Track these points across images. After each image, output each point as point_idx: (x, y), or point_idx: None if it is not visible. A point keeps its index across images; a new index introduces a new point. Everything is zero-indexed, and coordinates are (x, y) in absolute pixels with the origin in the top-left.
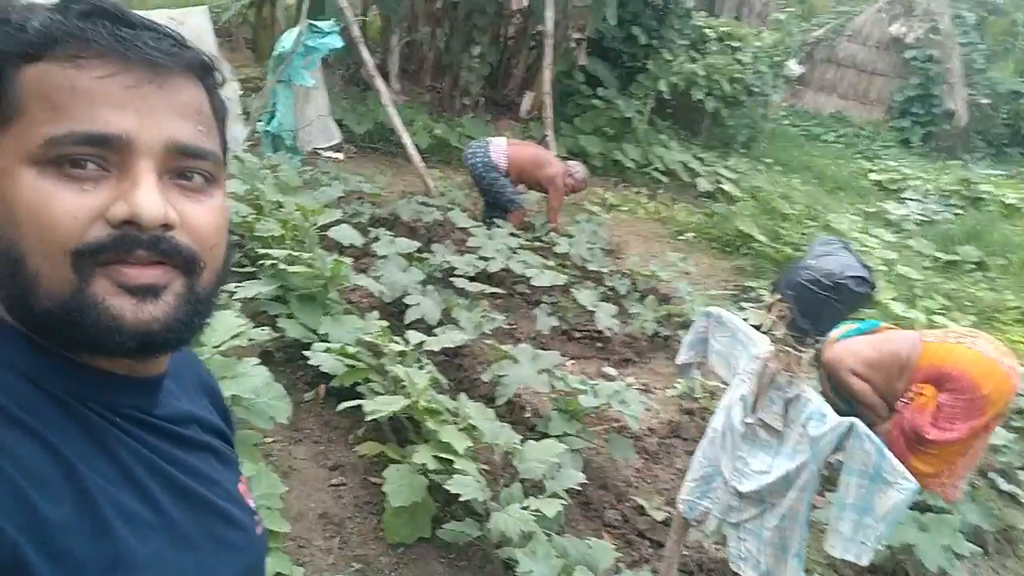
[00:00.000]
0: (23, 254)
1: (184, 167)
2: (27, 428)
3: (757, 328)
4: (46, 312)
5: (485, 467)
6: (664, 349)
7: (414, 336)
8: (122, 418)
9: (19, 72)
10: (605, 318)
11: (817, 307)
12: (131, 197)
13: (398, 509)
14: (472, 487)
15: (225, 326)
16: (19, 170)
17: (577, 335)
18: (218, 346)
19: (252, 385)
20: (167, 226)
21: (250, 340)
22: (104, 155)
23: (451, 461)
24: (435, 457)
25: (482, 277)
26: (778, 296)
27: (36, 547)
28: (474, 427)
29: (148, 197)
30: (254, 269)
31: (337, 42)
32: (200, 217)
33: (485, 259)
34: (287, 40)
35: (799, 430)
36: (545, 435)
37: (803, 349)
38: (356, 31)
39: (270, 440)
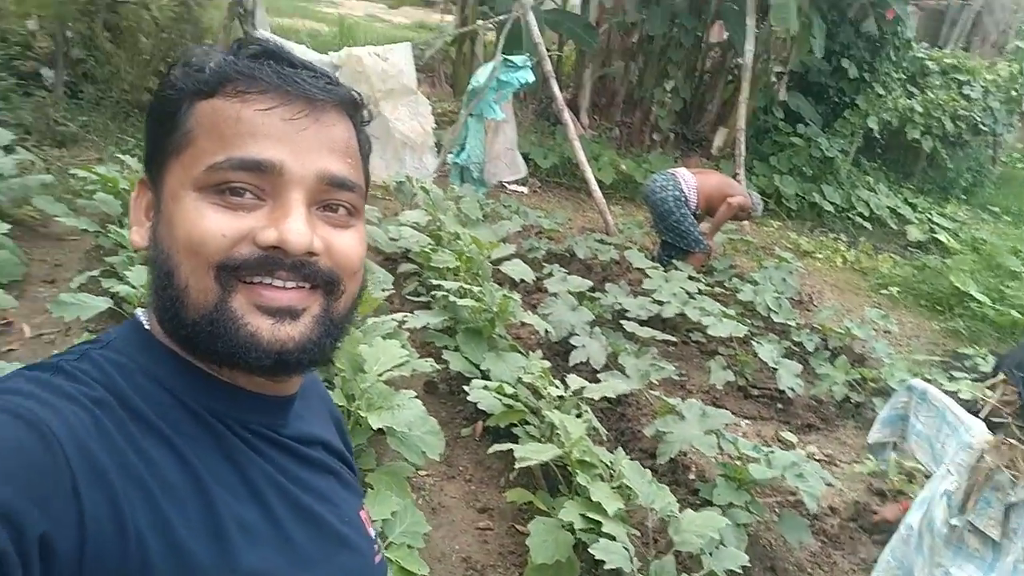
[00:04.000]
0: (175, 267)
1: (331, 199)
2: (163, 436)
3: (971, 411)
4: (192, 324)
5: (636, 532)
6: (855, 417)
7: (575, 381)
8: (252, 434)
9: (193, 107)
10: (788, 377)
11: None
12: (281, 224)
13: (541, 566)
14: (619, 555)
15: (389, 355)
16: (184, 194)
17: (755, 393)
18: (381, 374)
19: (406, 418)
20: (311, 252)
21: (414, 371)
22: (260, 184)
23: (599, 522)
24: (583, 516)
25: (655, 322)
26: (1003, 376)
27: (160, 544)
28: (628, 487)
29: (297, 226)
30: (428, 299)
31: (529, 76)
32: (343, 245)
33: (660, 303)
34: (481, 75)
35: None
36: (708, 502)
37: None
38: (548, 66)
39: (423, 474)
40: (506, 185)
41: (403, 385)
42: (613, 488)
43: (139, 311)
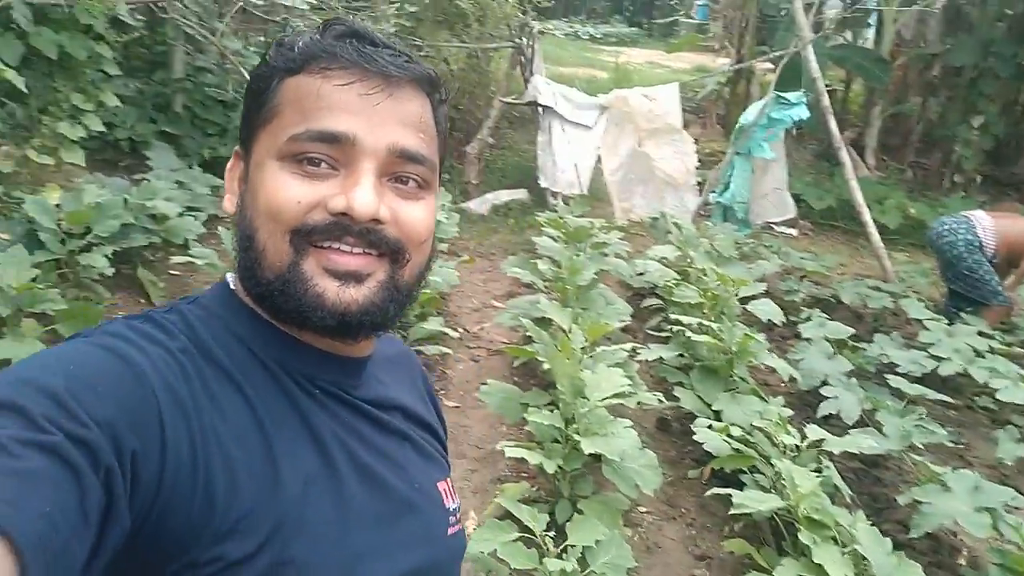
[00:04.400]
0: (256, 230)
1: (402, 171)
2: (235, 383)
3: None
4: (267, 283)
5: None
6: None
7: (816, 432)
8: (321, 391)
9: (282, 83)
10: None
11: None
12: (350, 192)
13: None
14: None
15: (611, 382)
16: (268, 163)
17: None
18: (601, 400)
19: (620, 446)
20: (377, 220)
21: (640, 404)
22: (334, 154)
23: None
24: None
25: (931, 381)
26: None
27: (224, 482)
28: (864, 557)
29: (363, 194)
30: (668, 335)
31: (803, 113)
32: (410, 215)
33: (937, 358)
34: (751, 112)
35: None
36: None
37: None
38: (826, 101)
39: (643, 510)
40: (773, 226)
41: (634, 419)
42: (844, 554)
43: (229, 275)
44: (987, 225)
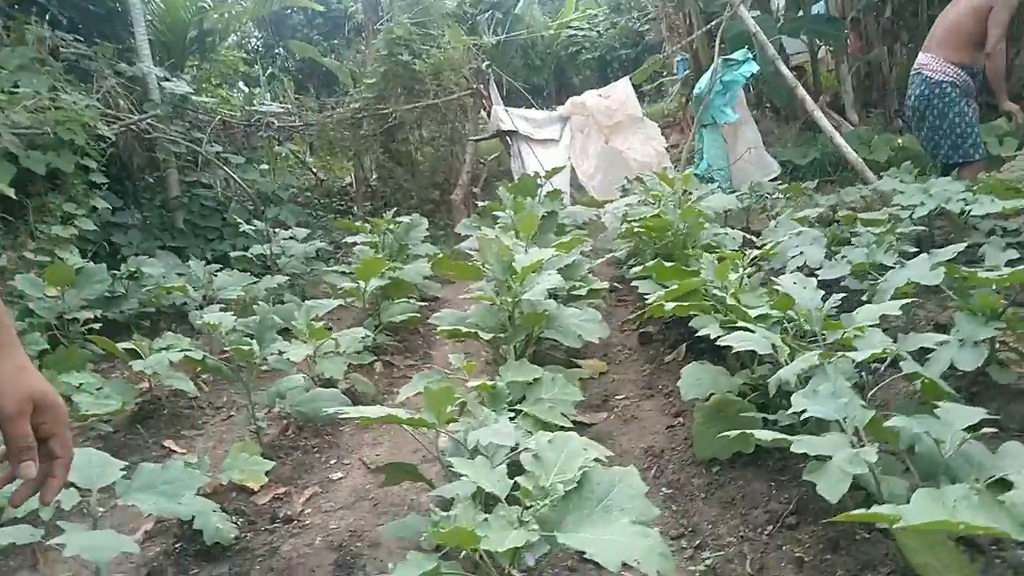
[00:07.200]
0: None
1: None
2: None
3: None
4: None
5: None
6: None
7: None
8: None
9: None
10: None
11: None
12: None
13: (706, 419)
14: (755, 340)
15: (541, 253)
16: None
17: None
18: (531, 265)
19: (541, 289)
20: None
21: (591, 290)
22: None
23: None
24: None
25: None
26: None
27: None
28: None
29: None
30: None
31: (753, 67)
32: None
33: (912, 207)
34: (703, 81)
35: None
36: None
37: None
38: (771, 51)
39: (620, 396)
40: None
41: (619, 340)
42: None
43: None
44: (939, 57)
